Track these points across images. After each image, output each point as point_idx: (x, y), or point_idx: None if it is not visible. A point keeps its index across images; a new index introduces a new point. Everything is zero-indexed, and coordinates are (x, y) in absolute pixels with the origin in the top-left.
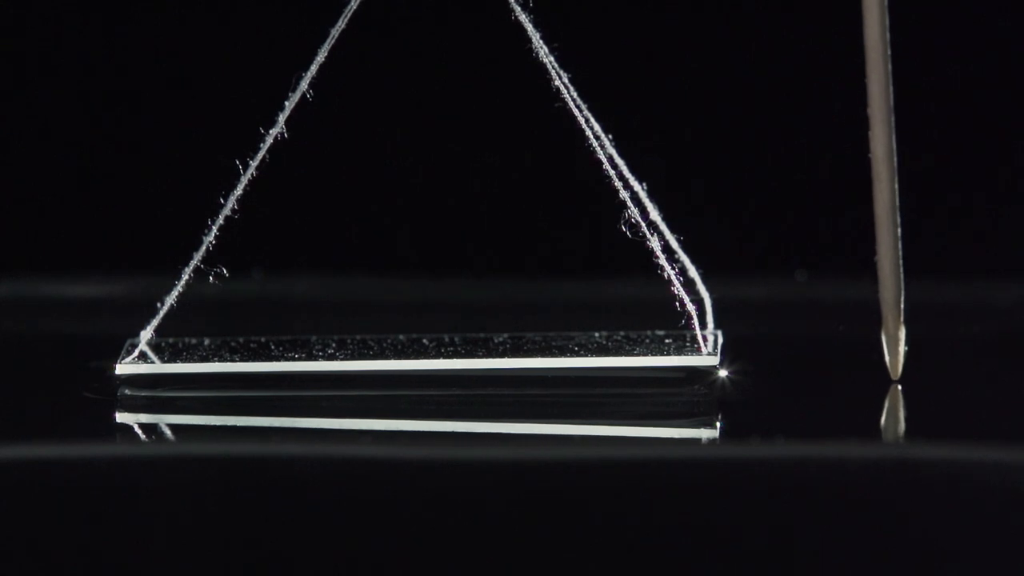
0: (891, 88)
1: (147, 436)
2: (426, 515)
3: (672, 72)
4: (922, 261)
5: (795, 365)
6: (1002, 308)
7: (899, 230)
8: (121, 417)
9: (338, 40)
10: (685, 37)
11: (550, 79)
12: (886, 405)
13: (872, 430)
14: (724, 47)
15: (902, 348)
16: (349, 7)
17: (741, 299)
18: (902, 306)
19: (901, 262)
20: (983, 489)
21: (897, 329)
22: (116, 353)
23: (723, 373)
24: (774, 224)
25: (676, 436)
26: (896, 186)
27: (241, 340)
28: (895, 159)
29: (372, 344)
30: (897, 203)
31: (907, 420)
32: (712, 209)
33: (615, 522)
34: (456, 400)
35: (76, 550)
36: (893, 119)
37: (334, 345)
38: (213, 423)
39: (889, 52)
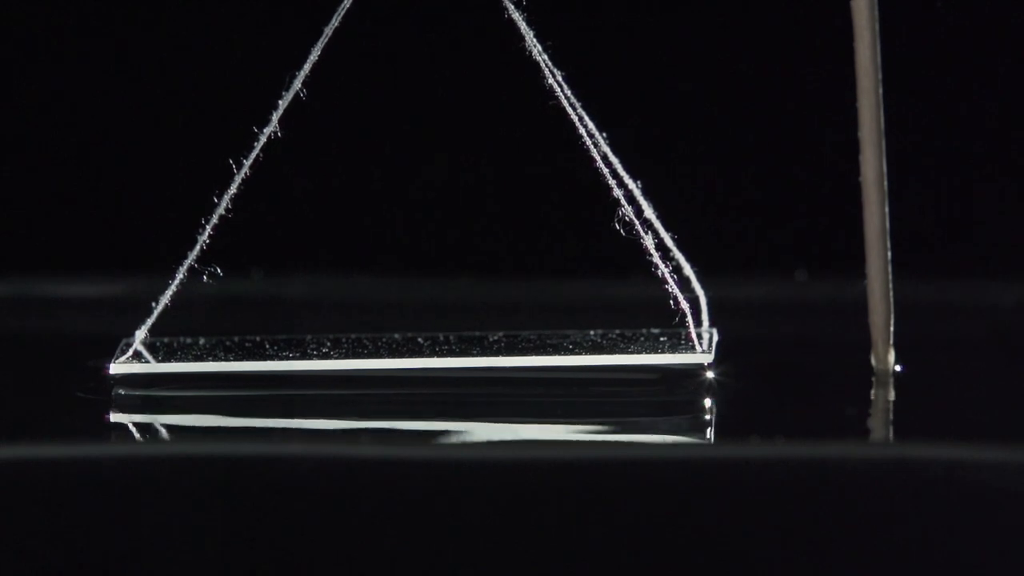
0: (882, 113)
1: (141, 435)
2: (421, 515)
3: (668, 70)
4: (922, 261)
5: (792, 365)
6: (1002, 308)
7: (889, 254)
8: (115, 416)
9: (331, 39)
10: (681, 35)
11: (544, 78)
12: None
13: (867, 429)
14: (722, 45)
15: (891, 371)
16: (342, 6)
17: (740, 299)
18: (891, 329)
19: (891, 285)
20: (981, 489)
21: (887, 353)
22: (112, 352)
23: (710, 374)
24: (773, 224)
25: (670, 436)
26: (887, 210)
27: (236, 339)
28: (885, 183)
29: (367, 343)
30: (888, 227)
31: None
32: (711, 209)
33: (610, 522)
34: (452, 400)
35: (70, 549)
36: (884, 143)
37: (329, 344)
38: (207, 423)
39: (880, 76)
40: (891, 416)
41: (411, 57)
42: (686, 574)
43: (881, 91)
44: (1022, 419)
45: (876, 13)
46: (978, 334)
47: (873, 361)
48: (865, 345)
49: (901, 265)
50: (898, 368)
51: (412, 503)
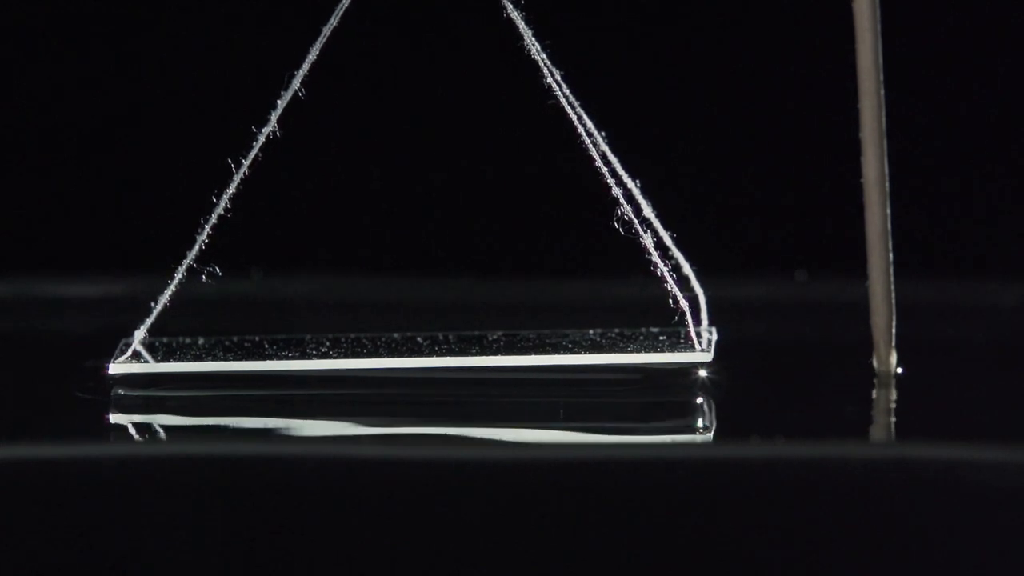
0: (883, 113)
1: (141, 436)
2: (421, 515)
3: (668, 70)
4: (922, 261)
5: (792, 366)
6: (1002, 308)
7: (891, 255)
8: (115, 417)
9: (330, 38)
10: (681, 34)
11: (542, 77)
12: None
13: (867, 430)
14: (722, 45)
15: (893, 372)
16: (340, 5)
17: (740, 299)
18: (894, 331)
19: (893, 286)
20: (981, 489)
21: (888, 355)
22: (111, 352)
23: (703, 373)
24: (773, 224)
25: (667, 436)
26: (888, 211)
27: (235, 339)
28: (887, 184)
29: (366, 342)
30: (889, 228)
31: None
32: (711, 209)
33: (610, 523)
34: (450, 401)
35: (70, 550)
36: (885, 144)
37: (328, 344)
38: (207, 423)
39: (881, 77)
40: (892, 417)
41: (410, 57)
42: (687, 574)
43: (883, 92)
44: (1022, 419)
45: (878, 14)
46: (979, 335)
47: (875, 363)
48: (866, 346)
49: (901, 265)
50: (899, 370)
51: (412, 503)
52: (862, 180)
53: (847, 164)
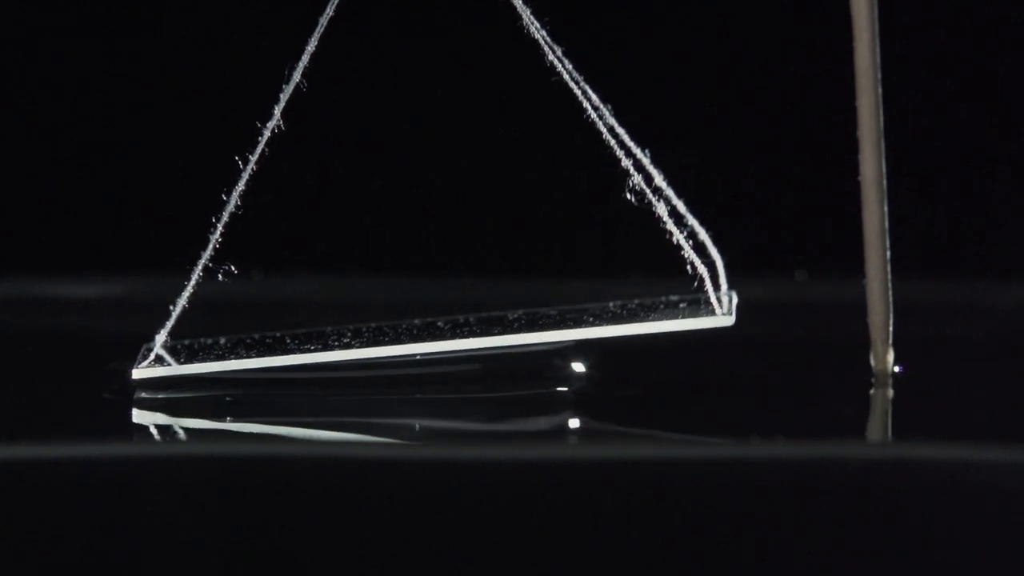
0: (881, 111)
1: (163, 437)
2: (426, 515)
3: (667, 70)
4: (922, 260)
5: (792, 365)
6: (1002, 308)
7: (888, 253)
8: (138, 417)
9: (326, 37)
10: (680, 34)
11: (544, 55)
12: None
13: (865, 430)
14: (721, 43)
15: (890, 370)
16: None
17: (740, 299)
18: (890, 329)
19: (890, 285)
20: (981, 489)
21: (886, 353)
22: (131, 353)
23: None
24: (773, 224)
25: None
26: (886, 209)
27: (256, 336)
28: (884, 182)
29: (387, 331)
30: (887, 226)
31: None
32: (711, 209)
33: (619, 523)
34: (451, 400)
35: (80, 550)
36: (883, 143)
37: (349, 334)
38: (230, 424)
39: (879, 75)
40: (890, 416)
41: (408, 56)
42: (686, 574)
43: (880, 90)
44: (1022, 419)
45: (876, 12)
46: (978, 334)
47: (872, 361)
48: (866, 346)
49: (900, 265)
50: (897, 368)
51: (415, 503)
52: (860, 179)
53: (847, 164)
